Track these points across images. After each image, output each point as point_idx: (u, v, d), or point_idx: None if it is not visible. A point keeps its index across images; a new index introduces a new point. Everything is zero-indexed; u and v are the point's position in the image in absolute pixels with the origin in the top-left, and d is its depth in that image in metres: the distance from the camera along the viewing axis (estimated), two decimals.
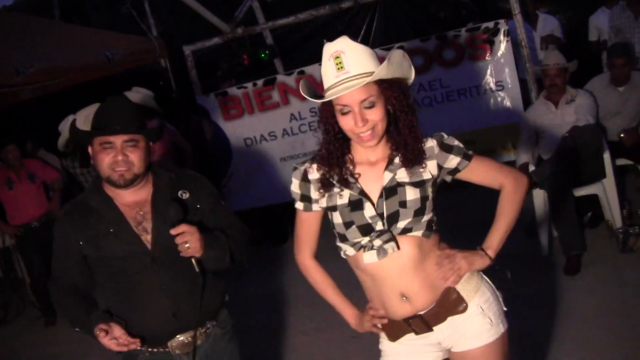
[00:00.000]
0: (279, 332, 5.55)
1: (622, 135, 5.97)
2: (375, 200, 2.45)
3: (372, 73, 2.29)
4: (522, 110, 6.33)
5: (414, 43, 6.66)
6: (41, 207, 7.26)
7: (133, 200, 2.86)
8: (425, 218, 2.44)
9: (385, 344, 2.66)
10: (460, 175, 2.53)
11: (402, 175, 2.43)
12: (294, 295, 6.04)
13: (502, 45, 6.46)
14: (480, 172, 2.55)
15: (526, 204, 5.70)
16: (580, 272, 5.30)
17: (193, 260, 2.74)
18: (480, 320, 2.53)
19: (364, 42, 7.93)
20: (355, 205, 2.45)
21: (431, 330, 2.53)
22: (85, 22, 9.47)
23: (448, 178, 2.53)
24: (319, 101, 2.38)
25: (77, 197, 2.97)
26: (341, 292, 2.76)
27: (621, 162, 6.17)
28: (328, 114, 2.41)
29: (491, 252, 2.57)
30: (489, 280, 2.63)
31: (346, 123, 2.35)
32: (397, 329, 2.57)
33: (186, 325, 2.86)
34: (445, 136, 2.50)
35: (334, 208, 2.48)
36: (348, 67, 2.28)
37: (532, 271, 5.54)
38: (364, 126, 2.33)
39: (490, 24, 6.52)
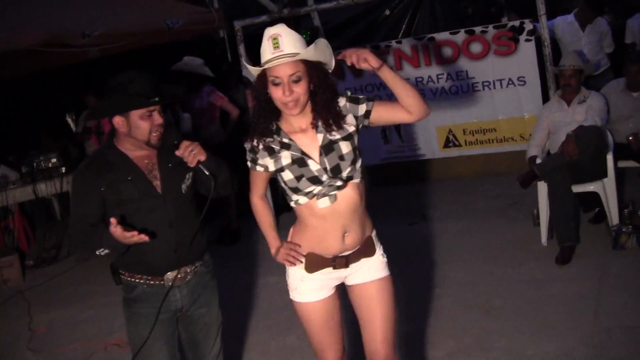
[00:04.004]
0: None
1: (630, 138, 6.25)
2: (316, 157, 3.01)
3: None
4: (541, 105, 6.62)
5: (444, 35, 7.02)
6: None
7: (142, 154, 3.42)
8: (359, 165, 3.04)
9: (304, 278, 3.21)
10: (374, 115, 3.03)
11: (334, 133, 2.99)
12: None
13: (526, 44, 6.78)
14: (384, 104, 3.05)
15: (532, 196, 6.09)
16: (570, 263, 5.66)
17: (201, 166, 3.26)
18: (380, 260, 3.24)
19: (407, 30, 8.39)
20: (300, 162, 3.02)
21: (347, 267, 3.17)
22: None
23: (366, 122, 3.04)
24: (257, 69, 2.92)
25: (92, 153, 3.57)
26: (276, 229, 3.39)
27: (628, 164, 6.46)
28: (261, 85, 2.96)
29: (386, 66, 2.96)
30: None
31: (276, 92, 2.90)
32: (319, 263, 3.16)
33: (182, 261, 3.44)
34: (349, 92, 3.07)
35: (281, 169, 3.07)
36: (282, 46, 2.84)
37: (527, 257, 5.94)
38: (289, 96, 2.88)
39: (516, 23, 6.84)
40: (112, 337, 5.74)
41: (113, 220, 3.09)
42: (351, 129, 3.02)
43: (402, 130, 7.46)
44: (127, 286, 3.49)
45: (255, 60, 3.03)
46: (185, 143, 3.26)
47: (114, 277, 3.53)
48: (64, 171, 8.78)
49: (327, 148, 3.00)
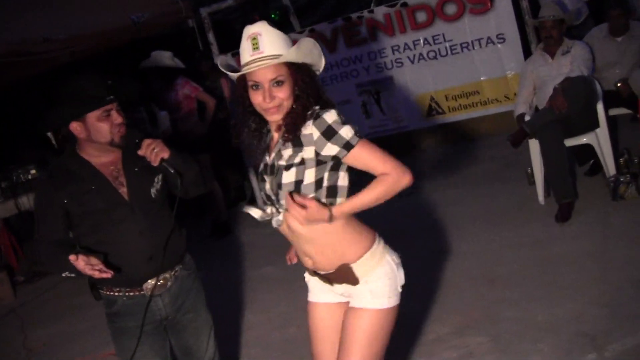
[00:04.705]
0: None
1: (618, 85, 6.06)
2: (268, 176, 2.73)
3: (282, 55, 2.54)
4: (523, 62, 6.42)
5: None
6: None
7: (107, 160, 3.23)
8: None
9: (307, 278, 2.97)
10: (345, 161, 2.62)
11: (280, 157, 2.63)
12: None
13: None
14: (361, 162, 2.58)
15: (527, 154, 5.92)
16: (570, 220, 5.48)
17: (165, 164, 3.07)
18: (362, 289, 2.73)
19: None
20: (261, 176, 2.76)
21: (332, 285, 2.82)
22: None
23: (335, 159, 2.61)
24: (235, 74, 2.64)
25: (53, 162, 3.37)
26: None
27: (620, 111, 6.29)
28: (242, 88, 2.66)
29: (335, 212, 2.61)
30: (392, 260, 2.78)
31: (256, 97, 2.59)
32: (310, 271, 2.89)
33: (160, 268, 3.22)
34: (332, 121, 2.54)
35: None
36: (263, 47, 2.53)
37: (526, 218, 5.77)
38: (270, 102, 2.57)
39: None
40: (110, 348, 5.55)
41: (72, 257, 2.90)
42: (297, 159, 2.59)
43: (382, 104, 7.25)
44: (107, 301, 3.33)
45: (227, 48, 2.79)
46: (146, 141, 3.08)
47: (93, 292, 3.37)
48: None
49: (272, 170, 2.68)
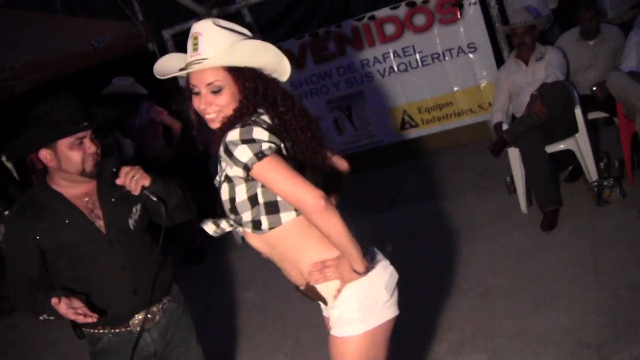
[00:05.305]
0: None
1: (594, 88, 5.99)
2: None
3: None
4: (495, 70, 6.34)
5: (384, 11, 6.69)
6: None
7: (80, 192, 3.01)
8: (247, 218, 2.45)
9: None
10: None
11: (220, 169, 2.47)
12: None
13: (471, 7, 6.46)
14: (270, 186, 2.37)
15: (504, 162, 5.81)
16: (556, 227, 5.37)
17: (146, 192, 2.86)
18: (333, 313, 2.54)
19: (344, 12, 8.02)
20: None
21: (314, 300, 2.62)
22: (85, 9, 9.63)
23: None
24: (170, 76, 2.47)
25: (22, 196, 3.14)
26: None
27: (596, 115, 6.23)
28: (188, 92, 2.47)
29: (357, 268, 2.44)
30: (363, 287, 2.52)
31: (195, 102, 2.42)
32: None
33: (146, 302, 3.03)
34: (230, 140, 2.32)
35: None
36: (201, 49, 2.34)
37: (511, 228, 5.63)
38: (207, 108, 2.39)
39: None
40: None
41: (54, 300, 2.72)
42: (223, 176, 2.44)
43: (354, 119, 7.10)
44: (90, 339, 3.10)
45: None
46: (124, 169, 2.86)
47: (75, 331, 3.14)
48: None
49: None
